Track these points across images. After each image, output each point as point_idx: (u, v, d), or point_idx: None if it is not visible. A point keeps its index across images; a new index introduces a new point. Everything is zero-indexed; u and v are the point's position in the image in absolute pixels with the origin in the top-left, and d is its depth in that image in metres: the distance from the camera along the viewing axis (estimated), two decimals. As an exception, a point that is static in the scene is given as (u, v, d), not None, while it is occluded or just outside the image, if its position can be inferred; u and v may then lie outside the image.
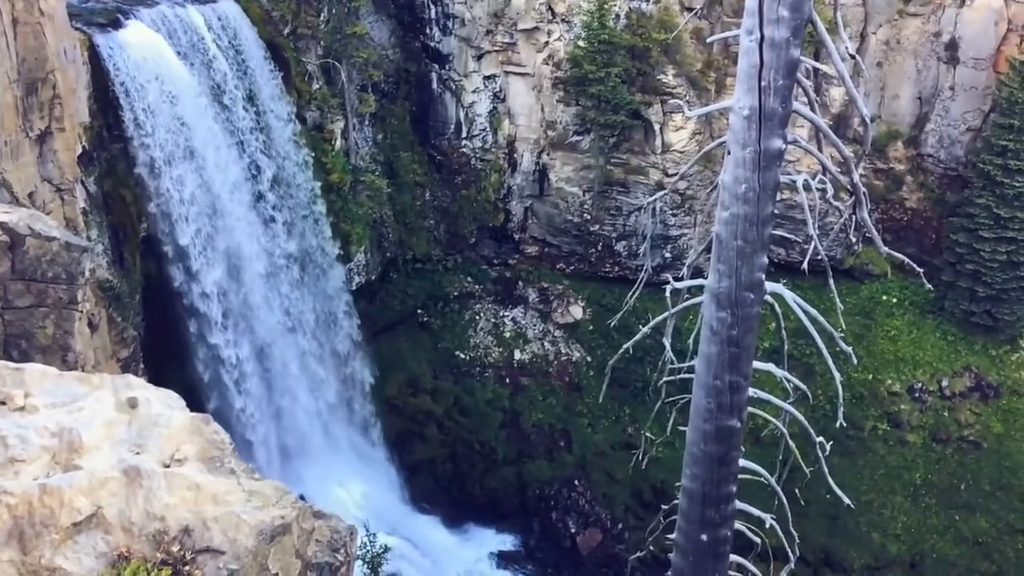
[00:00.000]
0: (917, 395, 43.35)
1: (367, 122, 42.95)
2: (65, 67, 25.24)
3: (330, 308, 39.37)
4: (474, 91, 45.02)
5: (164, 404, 9.29)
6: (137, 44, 28.41)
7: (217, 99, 31.68)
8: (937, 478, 41.93)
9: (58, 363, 16.04)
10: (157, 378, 24.11)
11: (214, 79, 31.43)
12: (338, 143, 40.33)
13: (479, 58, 44.49)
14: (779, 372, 14.76)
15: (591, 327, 45.96)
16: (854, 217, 12.92)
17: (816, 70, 12.85)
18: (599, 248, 46.41)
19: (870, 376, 43.42)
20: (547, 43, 43.49)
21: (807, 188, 13.19)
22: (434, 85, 45.20)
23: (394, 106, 44.56)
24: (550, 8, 42.97)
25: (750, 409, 14.29)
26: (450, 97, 45.32)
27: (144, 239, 30.39)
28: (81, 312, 17.59)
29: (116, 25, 28.57)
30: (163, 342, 31.27)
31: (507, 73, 44.62)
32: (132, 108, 27.99)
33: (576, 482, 42.71)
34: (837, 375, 14.58)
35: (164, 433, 8.77)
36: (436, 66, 44.91)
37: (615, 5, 41.86)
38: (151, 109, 28.47)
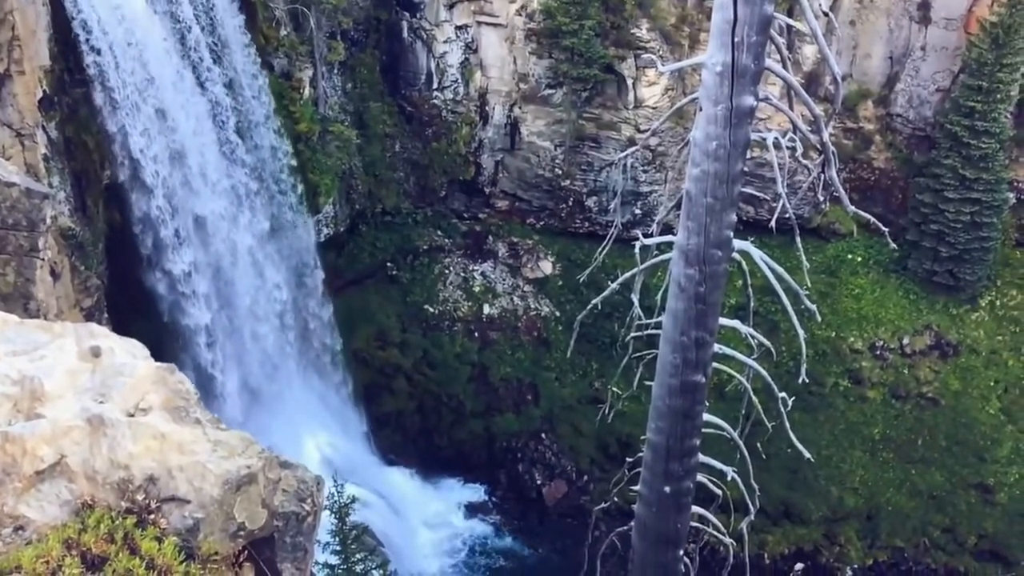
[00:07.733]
0: (878, 352, 44.13)
1: (336, 71, 42.16)
2: (24, 8, 24.49)
3: (298, 257, 39.04)
4: (445, 41, 44.31)
5: (128, 353, 9.18)
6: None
7: (182, 40, 30.89)
8: (895, 433, 42.89)
9: (19, 311, 15.79)
10: (122, 327, 23.84)
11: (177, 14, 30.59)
12: (306, 92, 39.60)
13: (451, 7, 43.71)
14: (744, 329, 14.95)
15: (560, 282, 46.09)
16: (822, 176, 13.00)
17: (789, 27, 12.80)
18: (570, 203, 46.33)
19: (833, 333, 44.08)
20: (520, -7, 42.87)
21: (777, 146, 13.23)
22: (405, 34, 44.42)
23: (364, 55, 43.74)
24: (524, -43, 42.30)
25: (715, 365, 14.48)
26: (421, 47, 44.60)
27: (107, 187, 29.82)
28: (43, 260, 17.32)
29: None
30: (128, 291, 30.90)
31: (479, 23, 43.92)
32: (93, 49, 27.19)
33: (543, 435, 43.18)
34: (801, 332, 14.78)
35: (128, 382, 8.68)
36: (407, 14, 44.07)
37: (590, -44, 41.26)
38: (113, 51, 27.71)
